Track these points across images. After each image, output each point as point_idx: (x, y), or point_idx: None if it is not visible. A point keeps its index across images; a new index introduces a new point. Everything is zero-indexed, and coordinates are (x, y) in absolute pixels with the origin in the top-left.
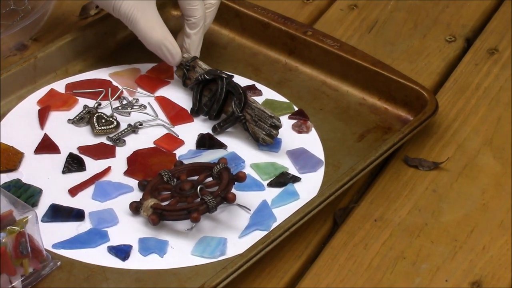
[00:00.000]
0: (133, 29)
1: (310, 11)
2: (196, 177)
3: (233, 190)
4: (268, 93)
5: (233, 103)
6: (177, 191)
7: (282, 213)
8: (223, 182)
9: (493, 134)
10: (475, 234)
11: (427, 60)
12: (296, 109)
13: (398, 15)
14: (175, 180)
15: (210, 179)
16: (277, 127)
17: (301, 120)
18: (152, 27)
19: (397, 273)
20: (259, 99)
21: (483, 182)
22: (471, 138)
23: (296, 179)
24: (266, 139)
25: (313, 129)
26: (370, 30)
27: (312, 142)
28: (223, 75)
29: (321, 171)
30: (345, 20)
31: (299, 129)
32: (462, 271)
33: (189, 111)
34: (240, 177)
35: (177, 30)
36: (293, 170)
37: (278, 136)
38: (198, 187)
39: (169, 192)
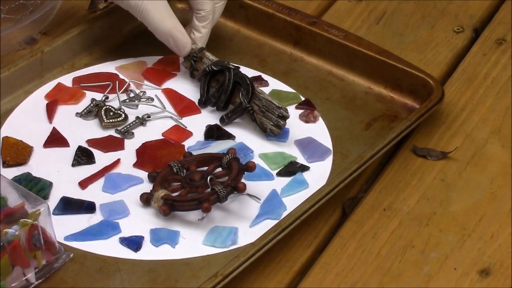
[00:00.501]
0: (143, 20)
1: (318, 3)
2: (205, 168)
3: (243, 180)
4: (274, 84)
5: (240, 94)
6: (187, 182)
7: (292, 202)
8: (233, 172)
9: (501, 124)
10: (484, 223)
11: (435, 50)
12: (302, 99)
13: (406, 6)
14: (184, 171)
15: (219, 169)
16: (284, 117)
17: (308, 110)
18: (162, 17)
19: (406, 261)
20: (265, 90)
21: (492, 171)
22: (480, 127)
23: (304, 168)
24: (274, 130)
25: (320, 118)
26: (378, 21)
27: (319, 131)
28: (231, 66)
29: (329, 160)
30: (353, 11)
31: (307, 118)
32: (470, 259)
33: (196, 103)
34: (250, 167)
35: (182, 23)
36: (301, 159)
37: (286, 126)
38: (208, 178)
39: (179, 183)
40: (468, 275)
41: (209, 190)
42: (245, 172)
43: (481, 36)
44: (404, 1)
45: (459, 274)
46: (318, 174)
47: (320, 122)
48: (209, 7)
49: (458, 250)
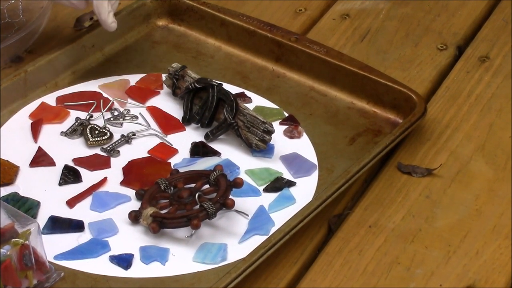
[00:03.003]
0: None
1: (302, 21)
2: (193, 185)
3: (231, 196)
4: (258, 100)
5: (225, 110)
6: (175, 199)
7: (280, 218)
8: (221, 188)
9: (485, 141)
10: (469, 239)
11: (419, 68)
12: (286, 115)
13: (390, 24)
14: (172, 188)
15: (207, 186)
16: (270, 132)
17: (292, 126)
18: None
19: (392, 278)
20: (249, 106)
21: (476, 188)
22: (464, 144)
23: (291, 184)
24: (260, 145)
25: (304, 134)
26: (363, 39)
27: (304, 146)
28: (214, 83)
29: (315, 175)
30: (337, 29)
31: (291, 134)
32: (456, 276)
33: (180, 120)
34: (238, 183)
35: (163, 41)
36: (287, 175)
37: (271, 142)
38: (197, 194)
39: (167, 201)
40: None
41: (197, 207)
42: (232, 189)
43: (464, 53)
44: (388, 19)
45: None
46: (305, 189)
47: (305, 137)
48: None
49: (444, 267)
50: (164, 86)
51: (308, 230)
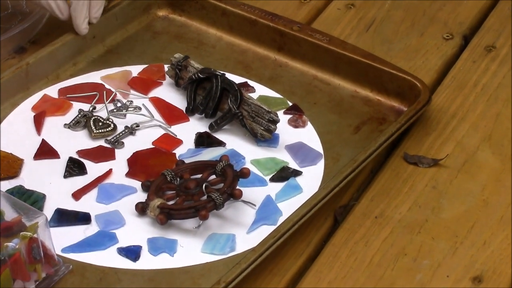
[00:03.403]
0: None
1: (307, 11)
2: (199, 176)
3: (237, 187)
4: (261, 90)
5: (229, 100)
6: (182, 190)
7: (287, 207)
8: (228, 179)
9: (492, 131)
10: (476, 230)
11: (425, 58)
12: (290, 104)
13: (395, 13)
14: (178, 179)
15: (213, 176)
16: (275, 121)
17: (297, 115)
18: None
19: (398, 269)
20: (252, 96)
21: (483, 178)
22: (470, 134)
23: (297, 173)
24: (265, 134)
25: (309, 123)
26: (368, 29)
27: (309, 136)
28: (217, 73)
29: (321, 164)
30: (342, 19)
31: (295, 123)
32: (463, 267)
33: (184, 111)
34: (244, 173)
35: (163, 31)
36: (293, 164)
37: (276, 132)
38: (204, 185)
39: (174, 192)
40: (461, 283)
41: (205, 197)
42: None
43: (470, 43)
44: (394, 9)
45: (451, 282)
46: (311, 178)
47: (309, 126)
48: None
49: (451, 258)
50: (167, 76)
51: (314, 222)
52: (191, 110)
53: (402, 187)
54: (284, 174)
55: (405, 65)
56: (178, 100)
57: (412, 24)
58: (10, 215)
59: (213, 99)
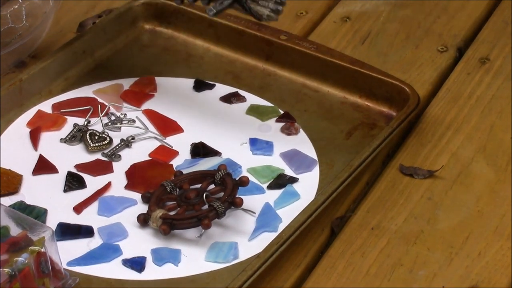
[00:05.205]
0: None
1: (304, 24)
2: (198, 185)
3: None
4: (252, 99)
5: None
6: (183, 200)
7: (286, 214)
8: (228, 187)
9: (486, 142)
10: (471, 240)
11: (420, 70)
12: (281, 112)
13: (390, 26)
14: (177, 189)
15: (212, 186)
16: (283, 3)
17: (289, 122)
18: None
19: (394, 280)
20: (243, 105)
21: (478, 189)
22: (465, 146)
23: (293, 180)
24: (272, 16)
25: (301, 130)
26: (363, 41)
27: (302, 142)
28: None
29: (316, 170)
30: (338, 32)
31: (288, 131)
32: (458, 277)
33: (177, 122)
34: (244, 182)
35: (151, 44)
36: (289, 171)
37: (270, 139)
38: (204, 195)
39: (175, 202)
40: None
41: (206, 206)
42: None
43: (465, 55)
44: (389, 21)
45: None
46: (308, 185)
47: (302, 133)
48: None
49: (446, 268)
50: (158, 88)
51: (311, 233)
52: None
53: (398, 199)
54: (281, 181)
55: (401, 77)
56: (171, 111)
57: (407, 36)
58: (14, 230)
59: None
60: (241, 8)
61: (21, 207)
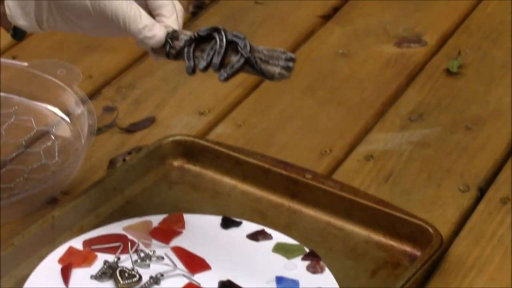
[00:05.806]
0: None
1: (328, 162)
2: None
3: None
4: (278, 237)
5: (239, 47)
6: None
7: None
8: None
9: (509, 284)
10: None
11: (442, 209)
12: (307, 250)
13: (412, 165)
14: None
15: None
16: (293, 59)
17: (314, 261)
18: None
19: None
20: (269, 243)
21: None
22: (489, 286)
23: None
24: (284, 73)
25: (326, 268)
26: (387, 180)
27: (327, 281)
28: (220, 27)
29: None
30: (362, 170)
31: (314, 269)
32: None
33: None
34: None
35: (179, 181)
36: None
37: (295, 278)
38: None
39: None
40: None
41: None
42: None
43: (486, 195)
44: (411, 160)
45: None
46: None
47: (327, 272)
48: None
49: None
50: (187, 226)
51: None
52: (192, 69)
53: None
54: None
55: (423, 217)
56: (199, 248)
57: (429, 175)
58: None
59: (218, 53)
60: (252, 70)
61: None
